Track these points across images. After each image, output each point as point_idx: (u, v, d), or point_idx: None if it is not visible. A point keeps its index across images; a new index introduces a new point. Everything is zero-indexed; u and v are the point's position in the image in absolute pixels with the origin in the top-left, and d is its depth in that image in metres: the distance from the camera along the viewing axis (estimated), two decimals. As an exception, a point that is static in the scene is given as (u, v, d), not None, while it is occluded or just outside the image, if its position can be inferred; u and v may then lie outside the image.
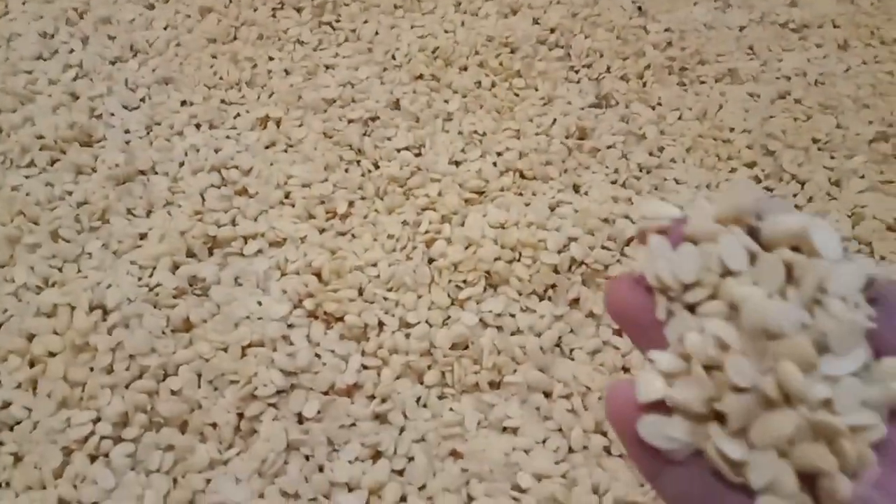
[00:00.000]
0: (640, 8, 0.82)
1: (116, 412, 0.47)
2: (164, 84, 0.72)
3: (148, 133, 0.67)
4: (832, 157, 0.67)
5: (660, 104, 0.72)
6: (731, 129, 0.69)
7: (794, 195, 0.64)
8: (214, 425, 0.48)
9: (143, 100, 0.70)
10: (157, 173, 0.63)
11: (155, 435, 0.47)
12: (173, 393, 0.49)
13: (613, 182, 0.65)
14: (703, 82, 0.76)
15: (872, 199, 0.63)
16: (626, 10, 0.82)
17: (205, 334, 0.51)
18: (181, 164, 0.64)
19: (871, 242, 0.60)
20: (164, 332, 0.51)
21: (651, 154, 0.67)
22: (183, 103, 0.70)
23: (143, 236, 0.58)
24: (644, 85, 0.75)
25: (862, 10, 0.86)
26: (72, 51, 0.74)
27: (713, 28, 0.82)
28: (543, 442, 0.49)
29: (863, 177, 0.66)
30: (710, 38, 0.81)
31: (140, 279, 0.54)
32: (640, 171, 0.66)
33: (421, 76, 0.74)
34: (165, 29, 0.77)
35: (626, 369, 0.53)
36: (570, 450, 0.49)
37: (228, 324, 0.52)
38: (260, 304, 0.53)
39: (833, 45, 0.82)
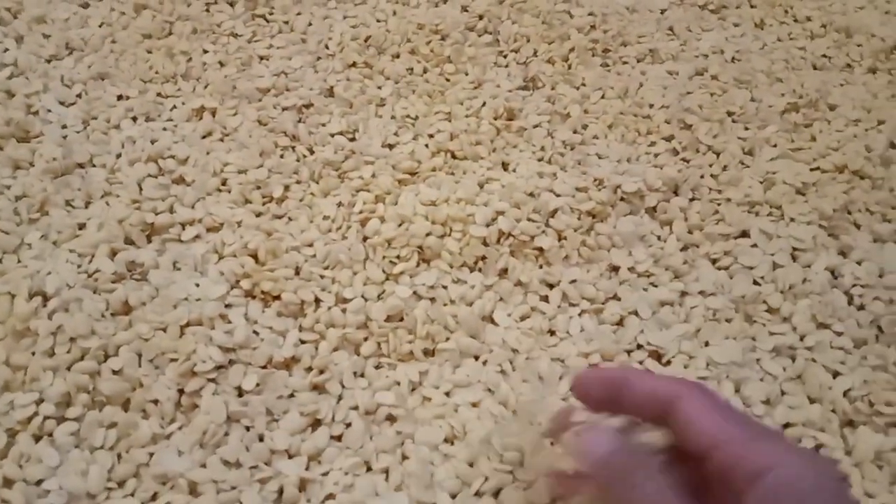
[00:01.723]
0: (564, -7, 0.85)
1: (59, 393, 0.48)
2: (101, 80, 0.73)
3: (85, 127, 0.68)
4: (746, 129, 0.71)
5: (584, 84, 0.75)
6: (651, 106, 0.72)
7: (710, 165, 0.67)
8: (156, 402, 0.49)
9: (79, 95, 0.71)
10: (94, 166, 0.65)
11: (98, 413, 0.49)
12: (114, 373, 0.50)
13: (540, 159, 0.67)
14: (625, 62, 0.79)
15: (783, 165, 0.67)
16: (551, -5, 0.85)
17: (144, 316, 0.53)
18: (118, 156, 0.65)
19: (782, 206, 0.64)
20: (103, 316, 0.53)
21: (575, 132, 0.70)
22: (119, 98, 0.71)
23: (81, 226, 0.59)
24: (569, 67, 0.78)
25: (778, -10, 0.90)
26: (6, 50, 0.74)
27: (635, 11, 0.85)
28: (476, 404, 0.52)
29: (775, 145, 0.70)
30: (633, 20, 0.84)
31: (79, 266, 0.56)
32: (565, 147, 0.68)
33: (354, 64, 0.76)
34: (101, 26, 0.78)
35: (552, 332, 0.56)
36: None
37: (167, 305, 0.53)
38: (198, 285, 0.55)
39: (750, 24, 0.86)
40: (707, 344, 0.55)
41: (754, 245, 0.61)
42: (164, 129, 0.68)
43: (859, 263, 0.60)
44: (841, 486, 0.33)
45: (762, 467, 0.32)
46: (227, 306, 0.54)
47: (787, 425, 0.51)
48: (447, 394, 0.52)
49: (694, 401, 0.35)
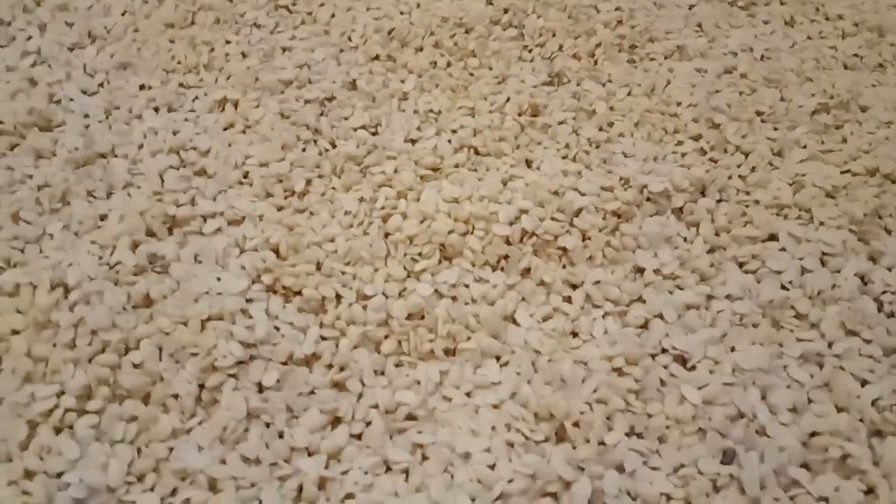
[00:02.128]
0: (591, -13, 0.84)
1: (79, 385, 0.48)
2: (123, 69, 0.73)
3: (107, 117, 0.68)
4: (775, 129, 0.70)
5: (610, 81, 0.74)
6: (678, 104, 0.71)
7: (738, 165, 0.66)
8: (176, 396, 0.49)
9: (101, 85, 0.71)
10: (116, 156, 0.64)
11: (118, 407, 0.48)
12: (135, 366, 0.50)
13: (564, 157, 0.66)
14: (652, 59, 0.78)
15: (812, 167, 0.66)
16: (577, -11, 0.84)
17: (165, 309, 0.52)
18: (140, 147, 0.65)
19: (811, 209, 0.63)
20: (124, 308, 0.52)
21: (601, 129, 0.69)
22: (141, 87, 0.71)
23: (103, 217, 0.59)
24: (595, 63, 0.77)
25: (808, -13, 0.89)
26: (29, 38, 0.74)
27: (663, 6, 0.84)
28: (497, 405, 0.51)
29: (804, 147, 0.68)
30: (660, 16, 0.83)
31: (100, 258, 0.55)
32: (590, 145, 0.68)
33: (377, 57, 0.75)
34: (123, 15, 0.78)
35: (574, 334, 0.55)
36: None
37: (188, 299, 0.53)
38: (219, 279, 0.55)
39: (780, 22, 0.84)
40: (733, 349, 0.54)
41: (783, 249, 0.60)
42: (186, 119, 0.68)
43: (890, 270, 0.59)
44: None
45: None
46: (248, 301, 0.54)
47: (813, 434, 0.50)
48: (468, 394, 0.52)
49: None
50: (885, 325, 0.56)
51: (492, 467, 0.47)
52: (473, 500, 0.45)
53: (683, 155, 0.67)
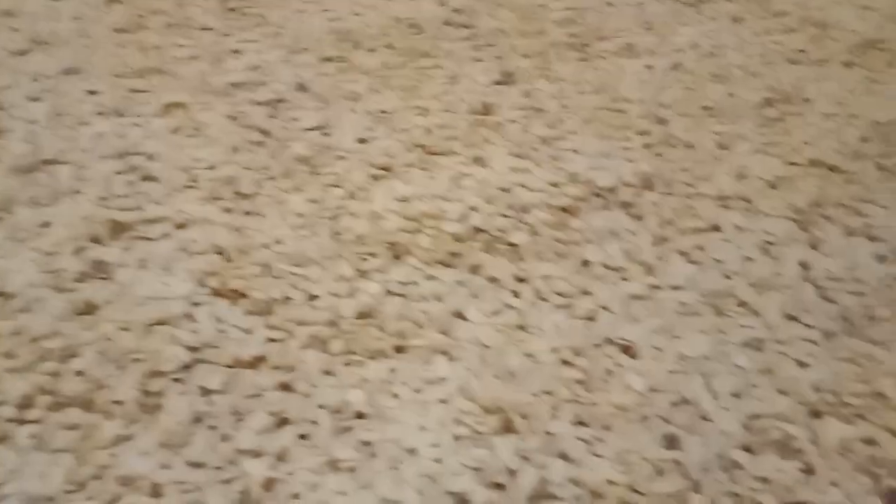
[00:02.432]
0: (540, -13, 0.85)
1: (20, 395, 0.48)
2: (70, 74, 0.72)
3: (53, 122, 0.67)
4: (720, 123, 0.71)
5: (560, 79, 0.75)
6: (627, 101, 0.72)
7: (684, 159, 0.67)
8: (120, 402, 0.49)
9: (48, 90, 0.70)
10: (62, 162, 0.64)
11: (59, 415, 0.48)
12: (77, 373, 0.49)
13: (515, 154, 0.67)
14: (602, 57, 0.79)
15: (756, 160, 0.67)
16: (527, -11, 0.84)
17: (108, 315, 0.52)
18: (86, 152, 0.65)
19: (754, 200, 0.64)
20: (67, 315, 0.52)
21: (551, 127, 0.70)
22: (89, 93, 0.70)
23: (47, 224, 0.58)
24: (546, 62, 0.77)
25: (755, -16, 0.90)
26: (-26, 45, 0.73)
27: (613, 5, 0.85)
28: (445, 401, 0.51)
29: (749, 140, 0.69)
30: (610, 14, 0.84)
31: (44, 265, 0.55)
32: (540, 142, 0.68)
33: (329, 58, 0.75)
34: (73, 20, 0.77)
35: (523, 327, 0.55)
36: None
37: (132, 304, 0.53)
38: (164, 284, 0.54)
39: (727, 19, 0.86)
40: (677, 338, 0.54)
41: (726, 239, 0.61)
42: (135, 124, 0.68)
43: (830, 257, 0.60)
44: None
45: None
46: (193, 305, 0.54)
47: (755, 417, 0.51)
48: (417, 391, 0.52)
49: None
50: (824, 311, 0.57)
51: (439, 461, 0.47)
52: (421, 494, 0.45)
53: (631, 150, 0.68)
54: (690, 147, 0.68)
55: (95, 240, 0.57)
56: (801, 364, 0.54)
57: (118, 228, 0.59)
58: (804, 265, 0.60)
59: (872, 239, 0.63)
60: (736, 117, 0.71)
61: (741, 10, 0.86)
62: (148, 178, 0.63)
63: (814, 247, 0.61)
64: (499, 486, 0.46)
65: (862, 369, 0.54)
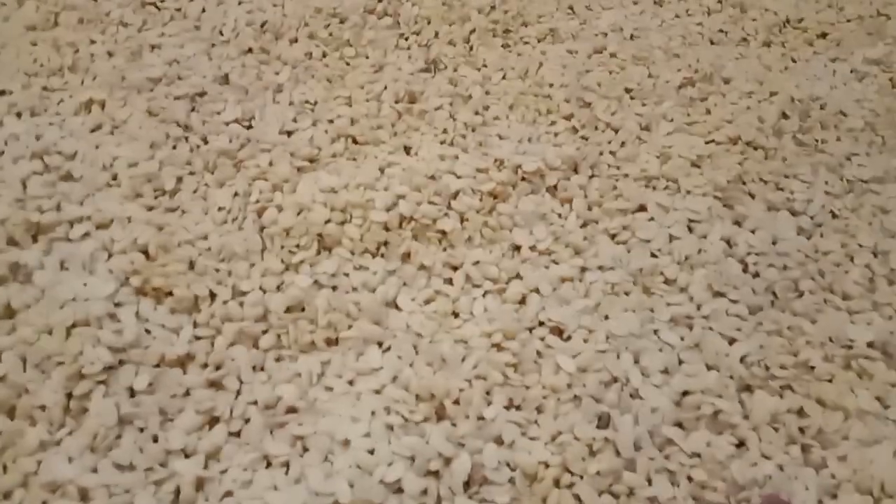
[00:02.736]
0: (463, -26, 0.85)
1: (-64, 404, 0.46)
2: (-19, 75, 0.69)
3: (-36, 125, 0.65)
4: (643, 105, 0.72)
5: (485, 66, 0.75)
6: (551, 85, 0.73)
7: (609, 142, 0.68)
8: (43, 407, 0.47)
9: (-43, 92, 0.68)
10: (-26, 165, 0.61)
11: (-20, 423, 0.46)
12: (-3, 380, 0.48)
13: (442, 142, 0.67)
14: (525, 43, 0.79)
15: (679, 139, 0.68)
16: (450, -24, 0.84)
17: (28, 319, 0.50)
18: (1, 154, 0.62)
19: (678, 179, 0.65)
20: (-17, 321, 0.50)
21: (476, 113, 0.70)
22: (1, 93, 0.68)
23: (-40, 229, 0.56)
24: (470, 49, 0.78)
25: (675, -33, 0.92)
26: None
27: (536, -10, 0.86)
28: (378, 391, 0.51)
29: (671, 120, 0.71)
30: (533, 0, 0.84)
31: (-44, 271, 0.53)
32: (467, 129, 0.68)
33: (250, 50, 0.74)
34: (-21, 18, 0.75)
35: (455, 314, 0.56)
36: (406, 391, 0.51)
37: (53, 307, 0.51)
38: (85, 285, 0.53)
39: (649, 2, 0.87)
40: (606, 318, 0.55)
41: (651, 219, 0.62)
42: (51, 123, 0.66)
43: (753, 232, 0.62)
44: None
45: None
46: (116, 305, 0.52)
47: (685, 393, 0.52)
48: (350, 382, 0.52)
49: None
50: (750, 286, 0.58)
51: (371, 452, 0.47)
52: (352, 486, 0.45)
53: (556, 134, 0.68)
54: (614, 129, 0.69)
55: (12, 243, 0.56)
56: (729, 339, 0.56)
57: (37, 230, 0.57)
58: (728, 241, 0.61)
59: (794, 213, 0.65)
60: (658, 98, 0.73)
61: (662, -7, 0.88)
62: (66, 177, 0.61)
63: (737, 223, 0.63)
64: (433, 474, 0.46)
65: (788, 342, 0.56)
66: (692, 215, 0.62)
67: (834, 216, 0.65)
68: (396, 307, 0.56)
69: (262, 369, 0.52)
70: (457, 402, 0.50)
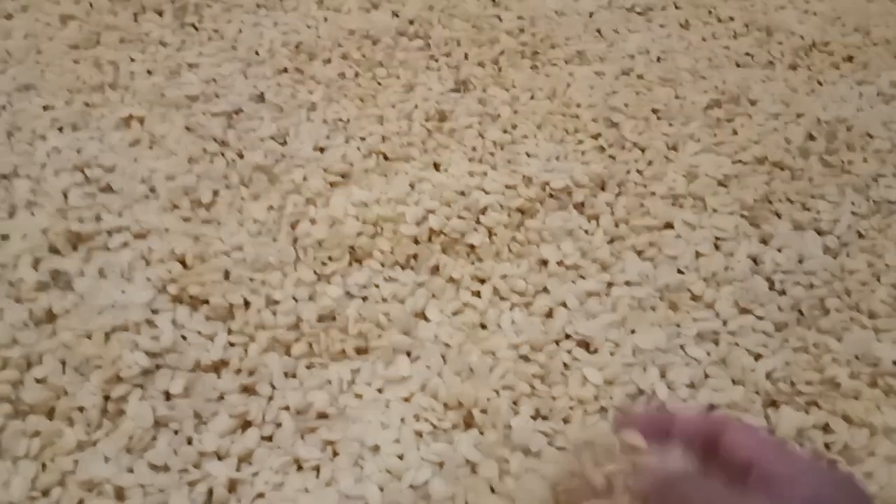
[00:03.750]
0: (492, -2, 0.87)
1: (-21, 404, 0.47)
2: (25, 90, 0.72)
3: (9, 138, 0.67)
4: (670, 125, 0.73)
5: (513, 86, 0.77)
6: (579, 105, 0.74)
7: (636, 160, 0.69)
8: (81, 409, 0.49)
9: (3, 107, 0.70)
10: (18, 176, 0.63)
11: (21, 423, 0.48)
12: (38, 381, 0.49)
13: (470, 159, 0.68)
14: (553, 64, 0.80)
15: (705, 159, 0.69)
16: (480, 0, 0.86)
17: (68, 324, 0.52)
18: (43, 167, 0.64)
19: (704, 198, 0.65)
20: (26, 324, 0.52)
21: (505, 132, 0.71)
22: (45, 108, 0.70)
23: (5, 237, 0.58)
24: (499, 69, 0.79)
25: (701, -9, 0.93)
26: (-73, 62, 0.73)
27: (564, 14, 0.87)
28: (407, 398, 0.52)
29: (698, 140, 0.71)
30: (561, 23, 0.86)
31: (2, 276, 0.55)
32: (495, 147, 0.69)
33: (285, 70, 0.76)
34: (25, 38, 0.77)
35: (483, 326, 0.56)
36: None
37: (92, 312, 0.53)
38: (123, 292, 0.54)
39: (675, 25, 0.88)
40: (633, 332, 0.56)
41: (678, 236, 0.62)
42: (91, 138, 0.68)
43: (780, 250, 0.62)
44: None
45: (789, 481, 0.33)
46: (153, 312, 0.54)
47: (711, 407, 0.52)
48: (379, 390, 0.52)
49: (737, 427, 0.37)
50: (775, 302, 0.59)
51: (400, 457, 0.48)
52: (382, 490, 0.46)
53: (584, 153, 0.69)
54: (641, 148, 0.70)
55: (54, 251, 0.57)
56: (755, 355, 0.56)
57: (77, 239, 0.59)
58: (755, 259, 0.61)
59: (821, 232, 0.65)
60: (685, 119, 0.73)
61: (689, 17, 0.89)
62: (106, 189, 0.63)
63: (764, 241, 0.63)
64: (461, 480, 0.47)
65: (814, 359, 0.56)
66: (719, 233, 0.62)
67: (860, 236, 0.65)
68: (425, 318, 0.57)
69: (294, 376, 0.53)
70: (484, 411, 0.50)
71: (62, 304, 0.53)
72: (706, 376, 0.54)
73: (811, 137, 0.73)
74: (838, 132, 0.74)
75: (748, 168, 0.69)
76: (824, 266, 0.62)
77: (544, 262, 0.61)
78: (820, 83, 0.81)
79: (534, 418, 0.50)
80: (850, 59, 0.84)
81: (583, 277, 0.60)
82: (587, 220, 0.64)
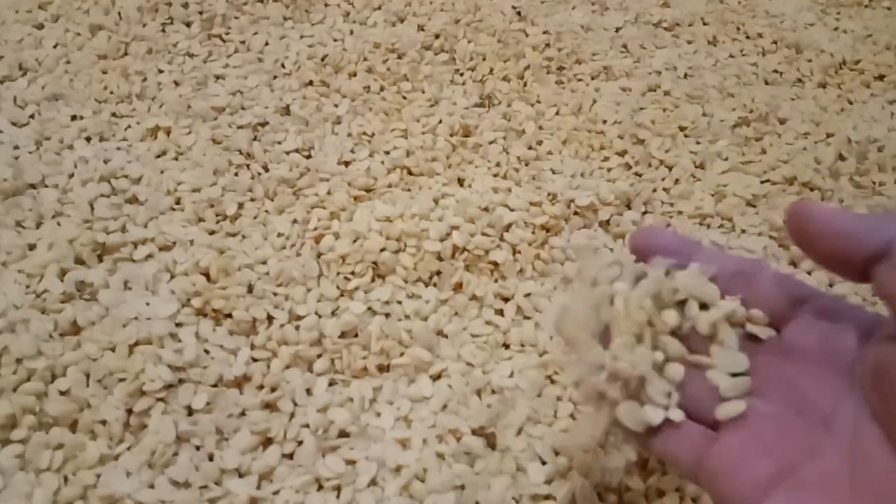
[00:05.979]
0: (519, 13, 0.86)
1: (4, 415, 0.47)
2: (54, 100, 0.72)
3: (37, 148, 0.68)
4: (697, 143, 0.72)
5: (538, 101, 0.76)
6: (604, 122, 0.73)
7: (662, 178, 0.68)
8: (104, 422, 0.49)
9: (32, 116, 0.71)
10: (46, 186, 0.64)
11: (44, 435, 0.48)
12: (62, 393, 0.49)
13: (495, 175, 0.68)
14: (579, 80, 0.80)
15: (733, 178, 0.68)
16: (506, 14, 0.86)
17: (92, 336, 0.52)
18: (70, 176, 0.65)
19: (732, 218, 0.65)
20: (51, 336, 0.52)
21: (530, 148, 0.71)
22: (73, 118, 0.71)
23: (31, 247, 0.58)
24: (524, 85, 0.79)
25: (730, 7, 0.93)
26: (-43, 71, 0.74)
27: (590, 29, 0.87)
28: (429, 418, 0.52)
29: (726, 159, 0.71)
30: (587, 38, 0.85)
31: (28, 287, 0.55)
32: (520, 163, 0.69)
33: (310, 83, 0.76)
34: (55, 47, 0.78)
35: (506, 345, 0.56)
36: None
37: (116, 325, 0.53)
38: (148, 304, 0.55)
39: (703, 41, 0.87)
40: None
41: (705, 256, 0.61)
42: (118, 148, 0.68)
43: (810, 273, 0.61)
44: None
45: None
46: (177, 325, 0.54)
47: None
48: (401, 409, 0.52)
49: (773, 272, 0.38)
50: (804, 326, 0.58)
51: (422, 480, 0.47)
52: (404, 511, 0.46)
53: (609, 170, 0.69)
54: (668, 167, 0.69)
55: (80, 261, 0.58)
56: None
57: (102, 250, 0.59)
58: (782, 280, 0.60)
59: (849, 255, 0.64)
60: (713, 137, 0.73)
61: (717, 33, 0.88)
62: (132, 200, 0.64)
63: (793, 263, 0.62)
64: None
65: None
66: (747, 254, 0.62)
67: (892, 259, 0.64)
68: (447, 336, 0.57)
69: (316, 393, 0.53)
70: (507, 430, 0.50)
71: (87, 315, 0.53)
72: (733, 401, 0.53)
73: (841, 158, 0.72)
74: (869, 153, 0.73)
75: (777, 188, 0.68)
76: (855, 290, 0.61)
77: (568, 281, 0.60)
78: (850, 102, 0.80)
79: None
80: (881, 77, 0.83)
81: (608, 297, 0.59)
82: (612, 239, 0.63)
